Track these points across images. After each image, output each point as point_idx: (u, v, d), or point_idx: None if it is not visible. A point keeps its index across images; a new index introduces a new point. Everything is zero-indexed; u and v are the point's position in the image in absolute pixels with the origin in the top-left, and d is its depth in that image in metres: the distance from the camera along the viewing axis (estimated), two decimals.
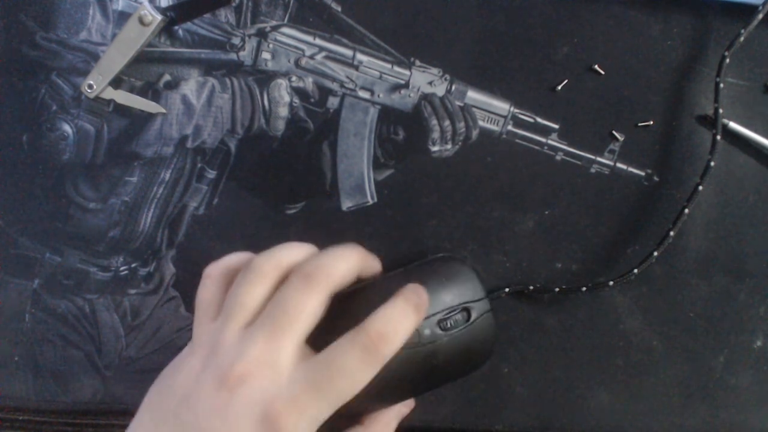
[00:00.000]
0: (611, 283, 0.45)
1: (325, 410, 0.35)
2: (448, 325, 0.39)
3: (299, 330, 0.36)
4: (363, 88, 0.48)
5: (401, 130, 0.48)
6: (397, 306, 0.37)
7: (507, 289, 0.46)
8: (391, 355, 0.36)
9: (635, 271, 0.45)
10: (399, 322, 0.36)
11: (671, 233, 0.45)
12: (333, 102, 0.48)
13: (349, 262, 0.39)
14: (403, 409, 0.44)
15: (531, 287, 0.47)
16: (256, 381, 0.35)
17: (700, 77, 0.48)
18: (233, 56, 0.48)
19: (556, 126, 0.48)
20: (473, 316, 0.40)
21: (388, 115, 0.48)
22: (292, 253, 0.40)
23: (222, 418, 0.35)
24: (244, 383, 0.35)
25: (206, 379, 0.36)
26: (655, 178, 0.48)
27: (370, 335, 0.36)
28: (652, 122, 0.48)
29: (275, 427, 0.34)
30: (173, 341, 0.47)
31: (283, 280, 0.38)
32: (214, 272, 0.41)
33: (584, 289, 0.46)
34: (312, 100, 0.48)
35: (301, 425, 0.35)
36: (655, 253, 0.45)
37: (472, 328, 0.40)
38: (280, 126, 0.48)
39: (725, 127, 0.47)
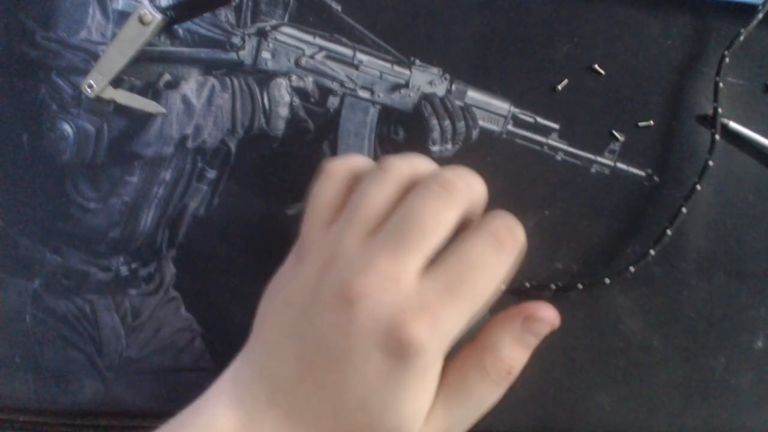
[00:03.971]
0: (607, 280, 0.45)
1: (463, 315, 0.33)
2: None
3: (432, 246, 0.33)
4: (363, 87, 0.48)
5: (401, 129, 0.48)
6: (506, 213, 0.36)
7: (503, 287, 0.46)
8: (518, 251, 0.34)
9: (631, 269, 0.45)
10: (516, 223, 0.35)
11: (668, 231, 0.45)
12: (333, 101, 0.48)
13: (484, 187, 0.36)
14: None
15: (528, 285, 0.47)
16: (380, 295, 0.32)
17: (700, 77, 0.48)
18: (233, 56, 0.48)
19: (556, 126, 0.48)
20: None
21: (388, 115, 0.48)
22: (424, 162, 0.37)
23: (344, 334, 0.32)
24: (366, 297, 0.32)
25: (324, 291, 0.33)
26: (656, 178, 0.48)
27: (498, 228, 0.34)
28: (652, 122, 0.48)
29: (406, 342, 0.31)
30: (174, 342, 0.47)
31: (412, 188, 0.35)
32: (337, 169, 0.37)
33: (581, 286, 0.46)
34: (312, 99, 0.48)
35: (435, 337, 0.32)
36: (652, 252, 0.45)
37: (468, 327, 0.40)
38: (281, 126, 0.48)
39: (725, 127, 0.47)
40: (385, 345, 0.32)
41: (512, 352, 0.35)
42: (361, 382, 0.33)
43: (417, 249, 0.33)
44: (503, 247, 0.34)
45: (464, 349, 0.36)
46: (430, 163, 0.37)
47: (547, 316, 0.36)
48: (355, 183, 0.37)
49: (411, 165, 0.36)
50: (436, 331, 0.32)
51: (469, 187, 0.35)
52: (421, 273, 0.33)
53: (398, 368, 0.32)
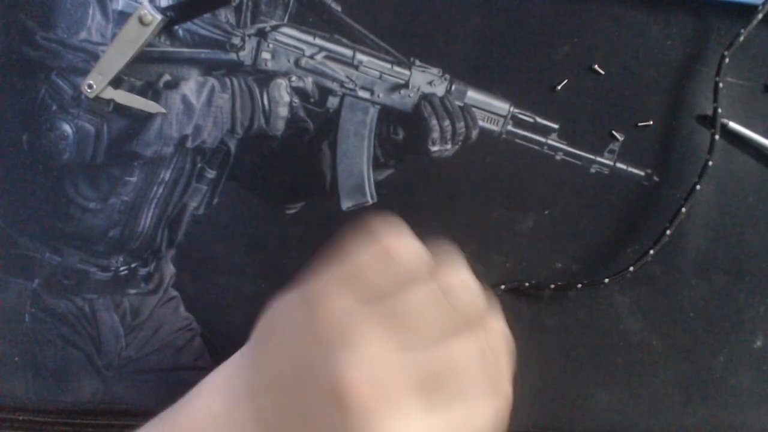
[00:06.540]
0: (606, 280, 0.45)
1: None
2: None
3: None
4: (363, 87, 0.48)
5: (401, 129, 0.48)
6: None
7: (503, 286, 0.46)
8: None
9: (631, 268, 0.45)
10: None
11: (668, 231, 0.45)
12: (333, 102, 0.48)
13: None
14: None
15: (527, 284, 0.47)
16: (383, 420, 0.32)
17: (700, 77, 0.48)
18: (233, 56, 0.48)
19: (555, 126, 0.48)
20: None
21: (387, 115, 0.48)
22: (481, 297, 0.36)
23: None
24: (370, 414, 0.32)
25: (328, 374, 0.32)
26: (655, 178, 0.48)
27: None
28: (651, 122, 0.48)
29: None
30: (173, 341, 0.47)
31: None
32: (400, 255, 0.35)
33: (580, 286, 0.46)
34: (312, 99, 0.48)
35: None
36: (652, 252, 0.45)
37: None
38: (280, 126, 0.48)
39: (725, 127, 0.47)
40: None
41: None
42: None
43: (441, 400, 0.33)
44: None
45: None
46: (482, 296, 0.36)
47: None
48: (405, 272, 0.36)
49: (475, 303, 0.35)
50: None
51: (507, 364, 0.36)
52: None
53: None
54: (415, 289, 0.35)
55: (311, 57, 0.48)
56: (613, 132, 0.48)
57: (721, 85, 0.46)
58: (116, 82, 0.47)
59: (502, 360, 0.35)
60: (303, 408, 0.34)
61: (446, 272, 0.36)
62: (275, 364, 0.35)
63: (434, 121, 0.48)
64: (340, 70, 0.48)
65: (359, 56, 0.48)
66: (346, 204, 0.48)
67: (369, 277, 0.35)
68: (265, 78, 0.48)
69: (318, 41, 0.48)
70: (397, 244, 0.36)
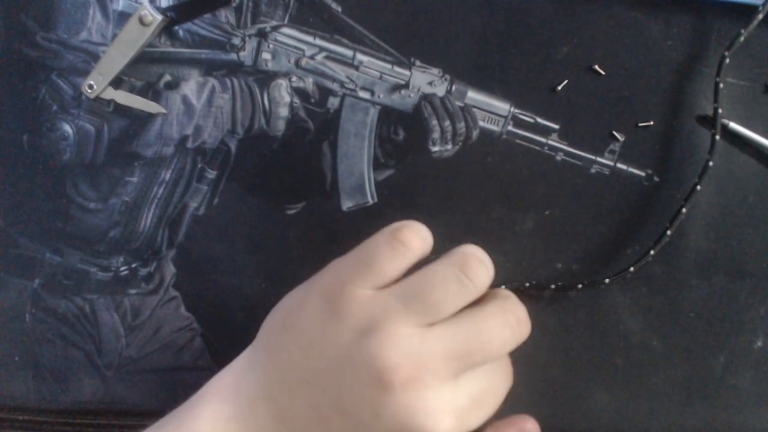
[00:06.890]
0: (607, 280, 0.45)
1: (483, 420, 0.37)
2: None
3: (483, 365, 0.36)
4: (363, 88, 0.48)
5: (401, 130, 0.48)
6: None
7: (503, 286, 0.46)
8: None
9: (631, 269, 0.45)
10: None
11: (668, 232, 0.45)
12: (333, 102, 0.48)
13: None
14: None
15: (527, 284, 0.47)
16: (422, 392, 0.34)
17: (700, 77, 0.48)
18: (233, 56, 0.48)
19: (556, 126, 0.48)
20: None
21: (388, 116, 0.48)
22: (491, 269, 0.38)
23: (374, 415, 0.34)
24: (409, 389, 0.33)
25: (362, 361, 0.34)
26: (656, 179, 0.48)
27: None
28: (652, 122, 0.48)
29: None
30: (173, 341, 0.47)
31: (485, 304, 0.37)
32: (413, 245, 0.37)
33: (580, 286, 0.46)
34: (312, 100, 0.48)
35: None
36: (652, 252, 0.45)
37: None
38: (281, 126, 0.48)
39: (725, 127, 0.47)
40: None
41: None
42: None
43: (473, 364, 0.35)
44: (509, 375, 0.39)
45: None
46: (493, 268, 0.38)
47: (533, 429, 0.39)
48: (420, 260, 0.37)
49: (489, 274, 0.37)
50: None
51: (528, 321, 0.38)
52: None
53: None
54: (428, 269, 0.36)
55: (311, 57, 0.48)
56: (614, 132, 0.48)
57: (721, 85, 0.46)
58: (117, 83, 0.47)
59: (521, 321, 0.37)
60: (339, 399, 0.34)
61: (457, 249, 0.38)
62: (296, 362, 0.36)
63: (435, 122, 0.48)
64: (340, 71, 0.48)
65: (359, 56, 0.48)
66: (346, 204, 0.48)
67: (381, 264, 0.36)
68: (266, 78, 0.48)
69: (318, 41, 0.48)
70: (404, 230, 0.37)
